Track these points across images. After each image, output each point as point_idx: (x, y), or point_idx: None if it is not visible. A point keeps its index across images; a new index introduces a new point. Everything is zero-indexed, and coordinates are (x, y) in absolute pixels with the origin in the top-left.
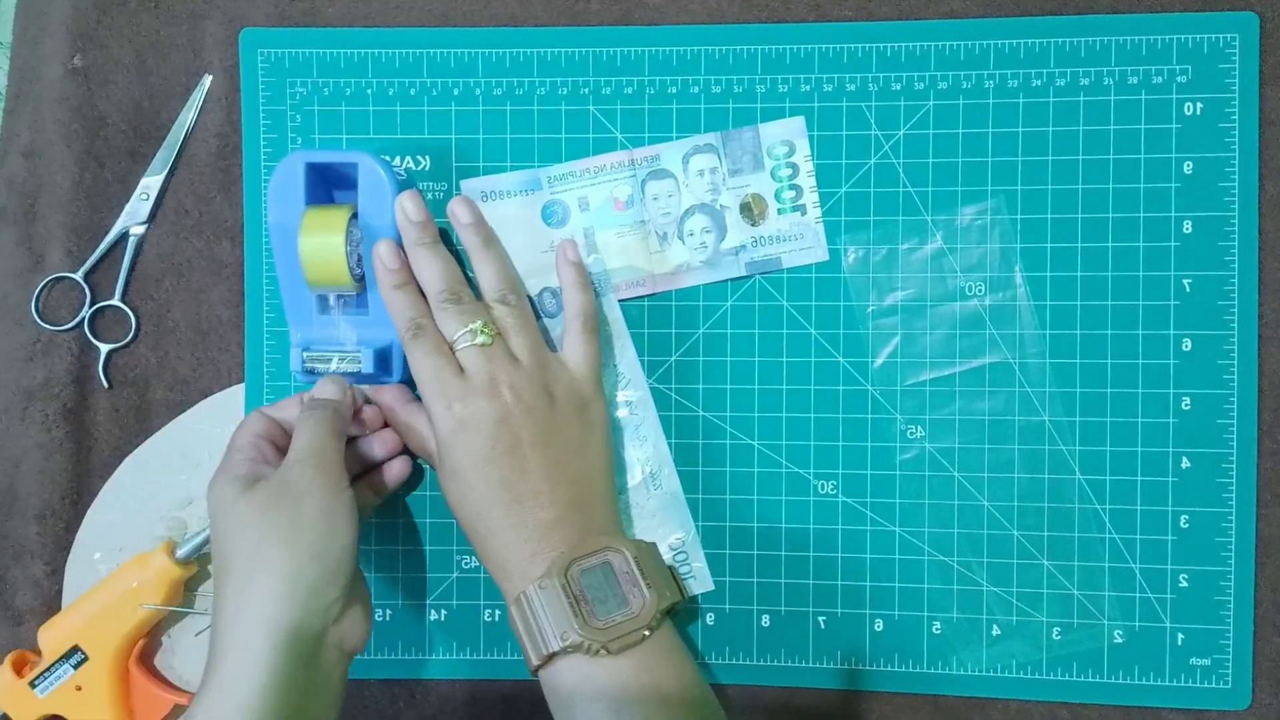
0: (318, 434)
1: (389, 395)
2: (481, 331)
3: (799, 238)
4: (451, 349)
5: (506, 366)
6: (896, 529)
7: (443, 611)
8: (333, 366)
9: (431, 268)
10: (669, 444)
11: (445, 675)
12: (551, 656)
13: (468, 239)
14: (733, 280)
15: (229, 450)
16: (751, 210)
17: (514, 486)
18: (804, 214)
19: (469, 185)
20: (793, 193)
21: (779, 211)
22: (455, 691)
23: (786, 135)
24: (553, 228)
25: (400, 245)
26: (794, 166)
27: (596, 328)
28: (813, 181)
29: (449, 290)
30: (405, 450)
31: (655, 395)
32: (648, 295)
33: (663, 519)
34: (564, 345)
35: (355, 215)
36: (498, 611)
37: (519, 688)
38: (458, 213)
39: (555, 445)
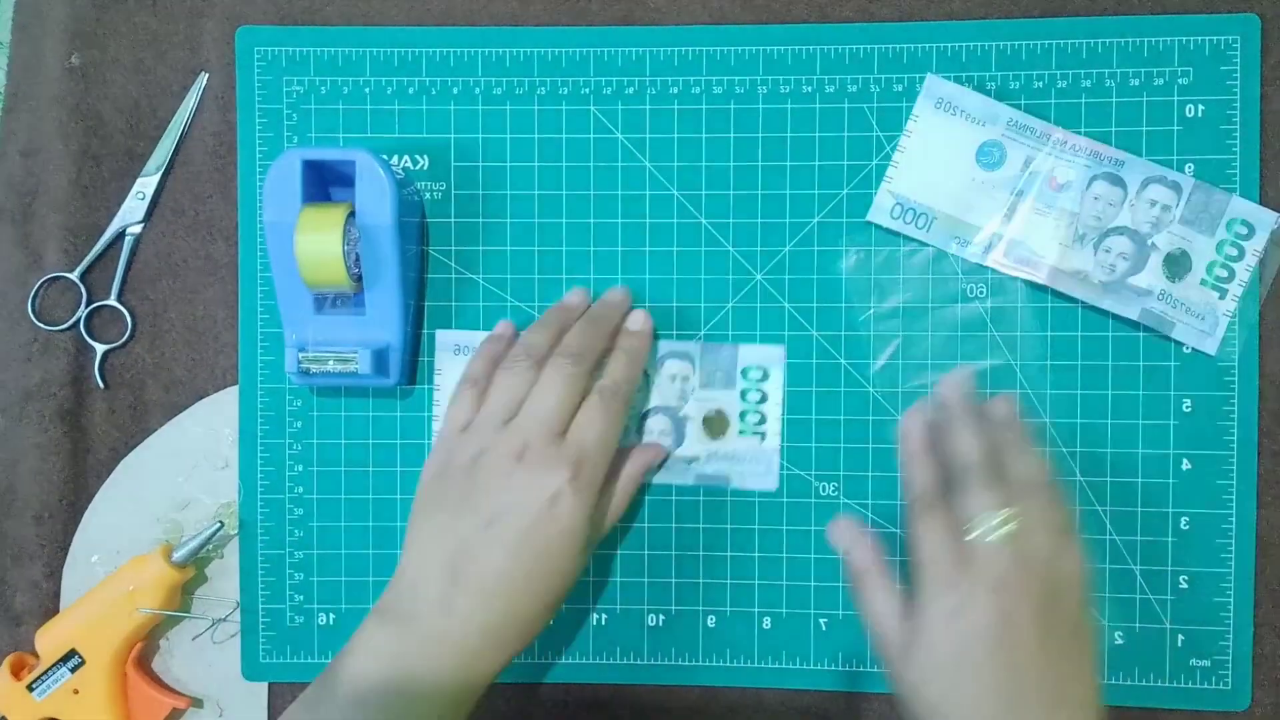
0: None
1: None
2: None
3: (753, 461)
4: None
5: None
6: (898, 531)
7: None
8: (329, 367)
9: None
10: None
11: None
12: None
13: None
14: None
15: (598, 455)
16: (717, 431)
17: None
18: (763, 440)
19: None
20: (755, 417)
21: (739, 433)
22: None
23: (763, 360)
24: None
25: None
26: (763, 395)
27: None
28: (779, 411)
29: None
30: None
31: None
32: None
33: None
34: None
35: (353, 214)
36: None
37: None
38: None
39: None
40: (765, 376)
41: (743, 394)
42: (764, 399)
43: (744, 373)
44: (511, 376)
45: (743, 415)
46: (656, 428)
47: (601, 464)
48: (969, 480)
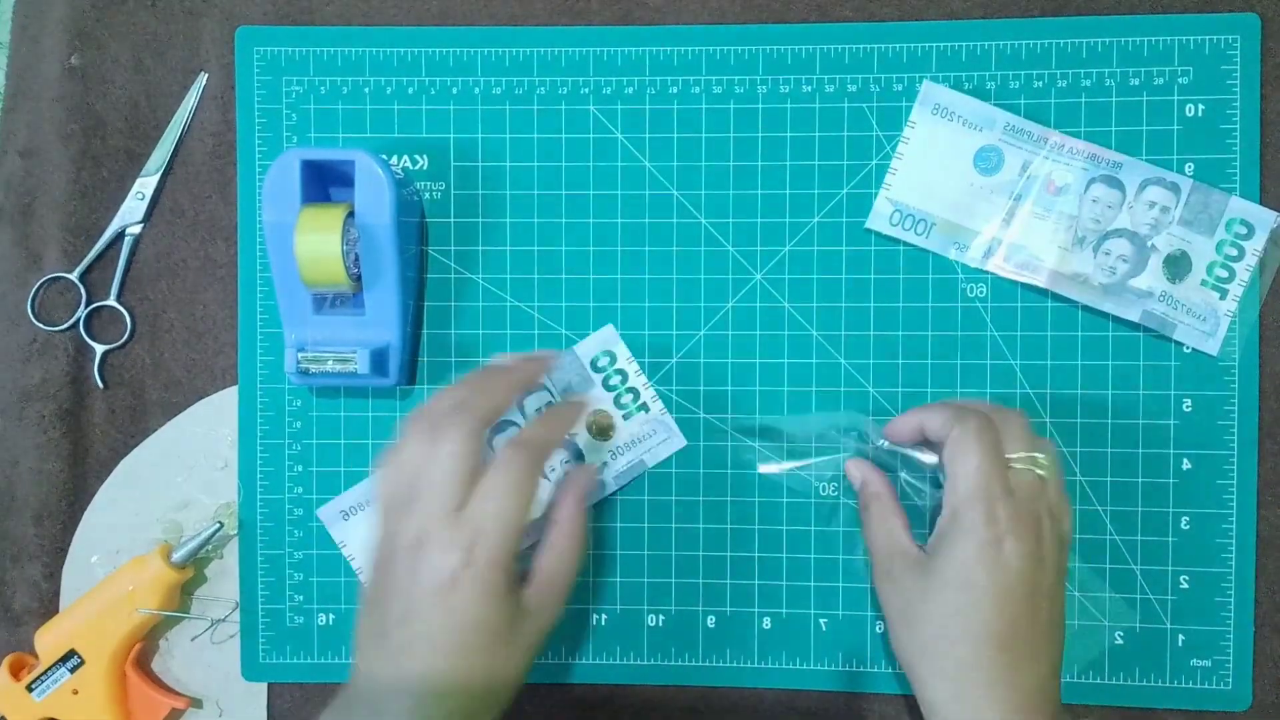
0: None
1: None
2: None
3: (652, 434)
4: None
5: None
6: None
7: None
8: (328, 367)
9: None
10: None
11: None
12: None
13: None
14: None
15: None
16: (605, 431)
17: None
18: (648, 411)
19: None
20: (630, 396)
21: (625, 418)
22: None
23: (603, 347)
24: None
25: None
26: (622, 373)
27: None
28: (643, 379)
29: None
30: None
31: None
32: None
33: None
34: None
35: (352, 214)
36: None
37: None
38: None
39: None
40: (613, 359)
41: (605, 385)
42: (625, 377)
43: (594, 366)
44: (407, 446)
45: (617, 402)
46: (557, 460)
47: (503, 535)
48: (1007, 424)
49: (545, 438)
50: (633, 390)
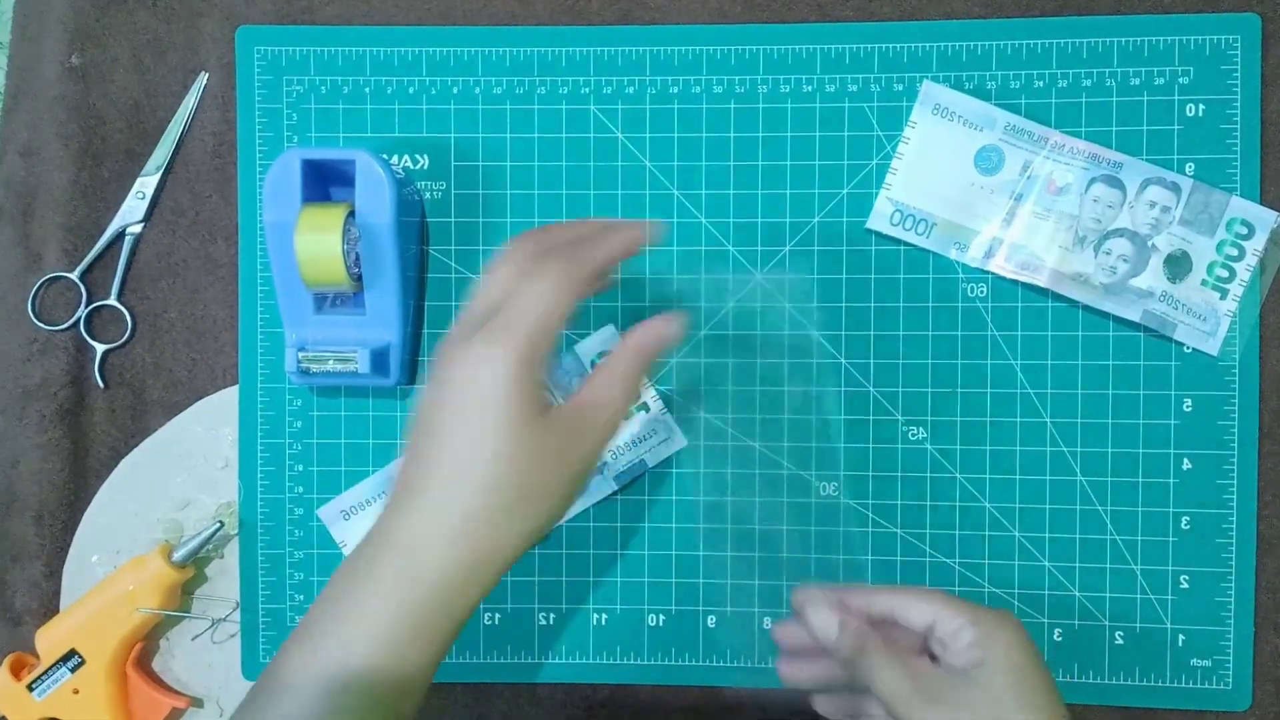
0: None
1: None
2: None
3: (652, 434)
4: None
5: None
6: (898, 530)
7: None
8: (329, 367)
9: None
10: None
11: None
12: None
13: None
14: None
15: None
16: None
17: None
18: (648, 410)
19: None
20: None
21: (625, 418)
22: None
23: (603, 346)
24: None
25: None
26: None
27: None
28: (645, 379)
29: None
30: None
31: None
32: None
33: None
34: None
35: (352, 213)
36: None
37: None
38: None
39: None
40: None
41: None
42: None
43: (593, 365)
44: (495, 275)
45: None
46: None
47: (531, 324)
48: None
49: (597, 257)
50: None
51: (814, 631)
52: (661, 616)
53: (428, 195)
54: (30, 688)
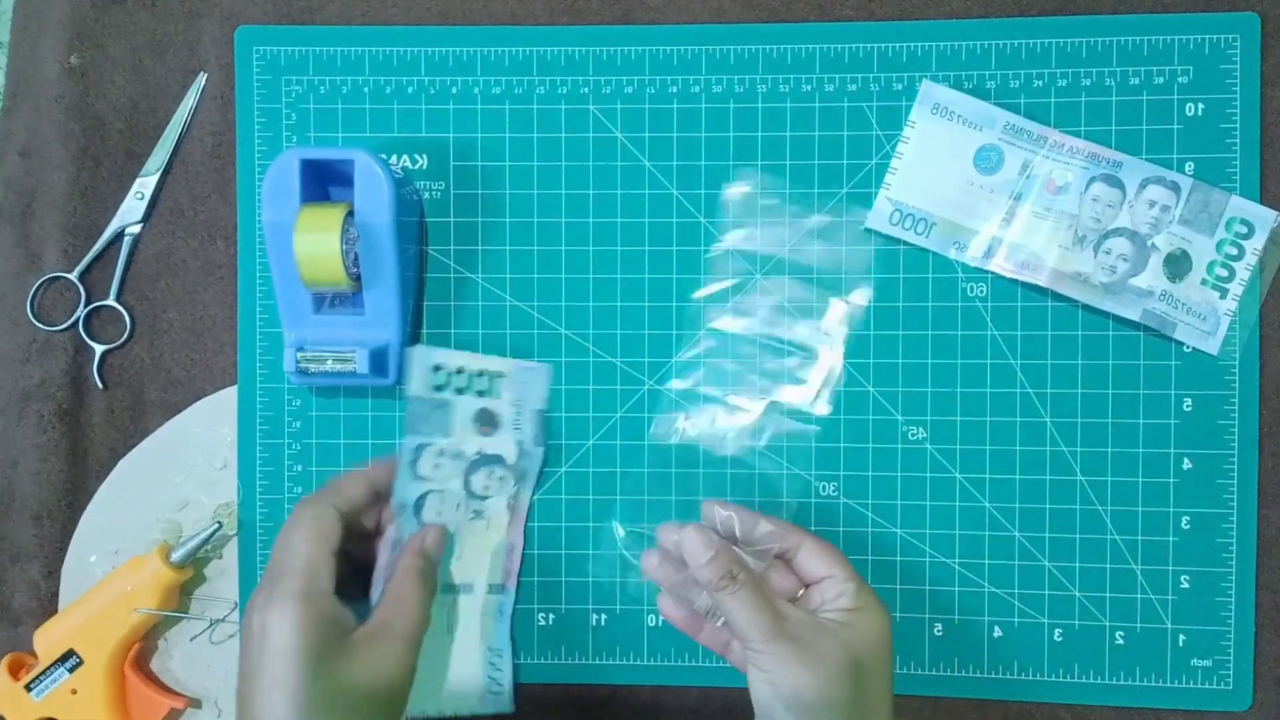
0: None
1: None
2: None
3: (524, 384)
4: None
5: None
6: (898, 530)
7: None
8: (327, 367)
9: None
10: (675, 444)
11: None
12: None
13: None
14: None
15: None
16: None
17: None
18: (505, 376)
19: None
20: (479, 379)
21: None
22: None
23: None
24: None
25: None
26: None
27: None
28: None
29: None
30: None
31: (657, 395)
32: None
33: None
34: None
35: (351, 213)
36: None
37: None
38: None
39: None
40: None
41: (453, 389)
42: (460, 372)
43: (436, 374)
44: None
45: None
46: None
47: (298, 567)
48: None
49: (338, 486)
50: (481, 373)
51: (686, 556)
52: (661, 617)
53: (426, 195)
54: (28, 688)
